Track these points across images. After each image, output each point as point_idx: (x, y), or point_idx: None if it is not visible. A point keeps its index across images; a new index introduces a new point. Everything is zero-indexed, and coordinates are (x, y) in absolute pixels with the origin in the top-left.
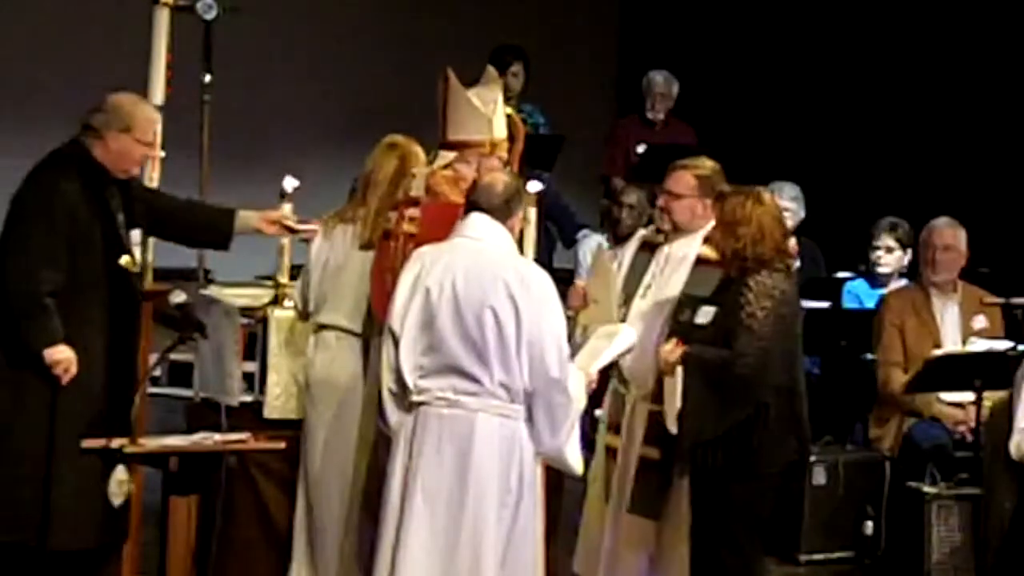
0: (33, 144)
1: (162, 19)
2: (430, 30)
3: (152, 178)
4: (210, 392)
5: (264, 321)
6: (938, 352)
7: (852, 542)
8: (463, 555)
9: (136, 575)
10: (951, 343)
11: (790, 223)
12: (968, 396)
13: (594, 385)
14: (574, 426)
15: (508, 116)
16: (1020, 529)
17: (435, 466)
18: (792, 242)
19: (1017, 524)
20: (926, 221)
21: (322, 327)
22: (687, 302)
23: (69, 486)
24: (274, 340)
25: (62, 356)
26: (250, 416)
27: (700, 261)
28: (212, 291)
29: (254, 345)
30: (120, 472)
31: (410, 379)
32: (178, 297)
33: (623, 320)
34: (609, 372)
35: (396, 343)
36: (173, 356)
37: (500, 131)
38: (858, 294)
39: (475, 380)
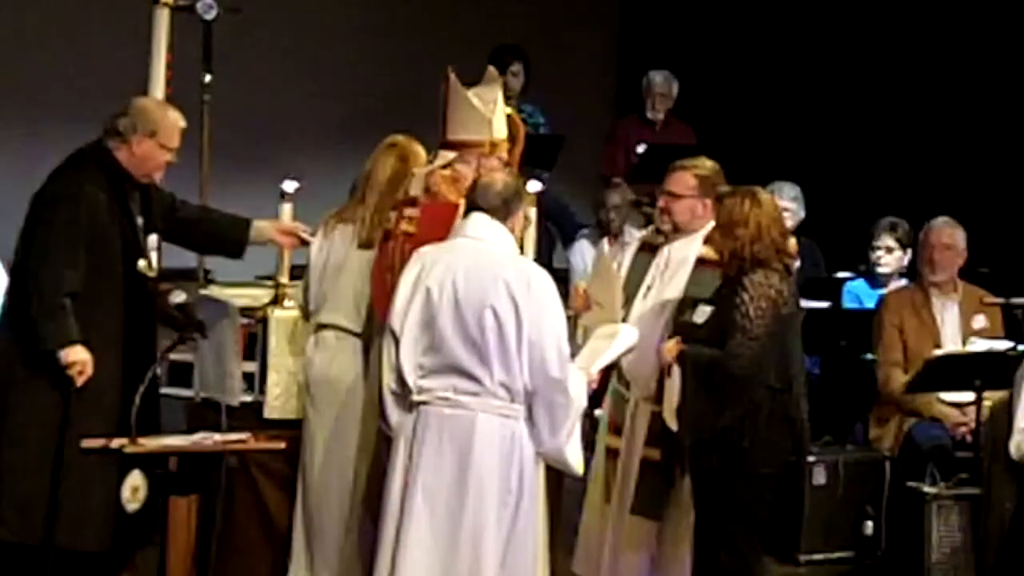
0: (33, 143)
1: (162, 19)
2: (430, 30)
3: None
4: (210, 392)
5: (264, 321)
6: (938, 352)
7: (852, 542)
8: (463, 555)
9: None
10: (951, 343)
11: (790, 223)
12: (968, 396)
13: (594, 385)
14: (575, 426)
15: (508, 116)
16: (1020, 529)
17: (435, 466)
18: (792, 242)
19: (1017, 524)
20: (926, 221)
21: (322, 327)
22: (688, 302)
23: (77, 488)
24: (274, 340)
25: (78, 357)
26: (250, 416)
27: (701, 262)
28: (212, 291)
29: (254, 345)
30: (135, 478)
31: (410, 379)
32: (178, 297)
33: (624, 322)
34: (609, 372)
35: (397, 343)
36: (173, 356)
37: (500, 131)
38: (858, 294)
39: (475, 380)
